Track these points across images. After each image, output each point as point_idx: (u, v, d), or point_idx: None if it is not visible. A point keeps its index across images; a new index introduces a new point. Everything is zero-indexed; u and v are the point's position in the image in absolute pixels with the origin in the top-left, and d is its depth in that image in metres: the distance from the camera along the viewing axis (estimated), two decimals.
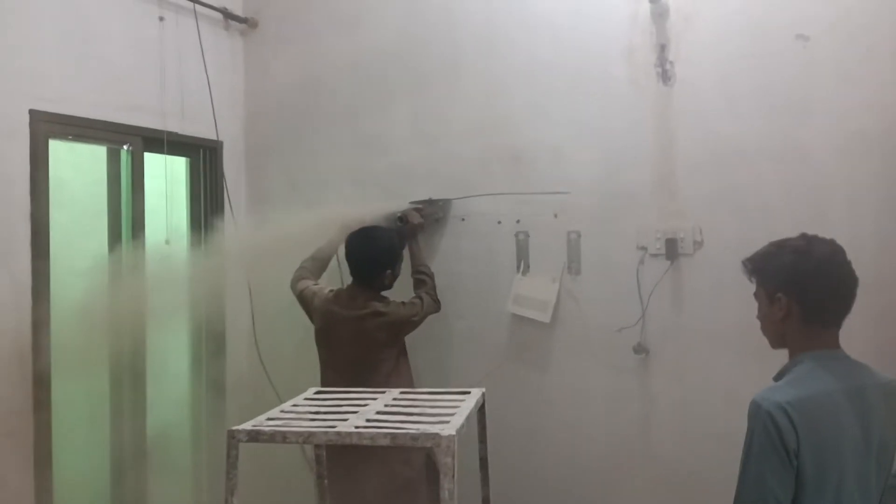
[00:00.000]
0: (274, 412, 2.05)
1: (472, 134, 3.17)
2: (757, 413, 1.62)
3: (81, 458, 2.96)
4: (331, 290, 3.00)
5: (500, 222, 3.14)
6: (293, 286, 3.08)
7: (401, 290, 3.01)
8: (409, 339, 2.99)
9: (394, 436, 1.81)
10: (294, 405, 2.14)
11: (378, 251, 2.91)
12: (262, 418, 1.96)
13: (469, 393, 2.24)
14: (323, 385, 2.92)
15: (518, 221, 3.11)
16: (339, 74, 3.45)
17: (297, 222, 3.15)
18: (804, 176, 2.70)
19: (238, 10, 3.61)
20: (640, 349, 2.91)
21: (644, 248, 2.92)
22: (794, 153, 2.71)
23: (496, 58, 3.14)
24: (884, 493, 1.72)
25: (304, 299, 3.03)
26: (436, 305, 3.02)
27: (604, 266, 2.99)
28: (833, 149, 2.66)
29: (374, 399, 2.19)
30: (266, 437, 1.85)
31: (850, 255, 2.63)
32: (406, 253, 3.10)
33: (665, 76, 2.87)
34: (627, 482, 2.92)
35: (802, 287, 1.72)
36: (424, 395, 2.25)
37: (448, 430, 1.82)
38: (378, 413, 2.03)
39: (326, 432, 1.84)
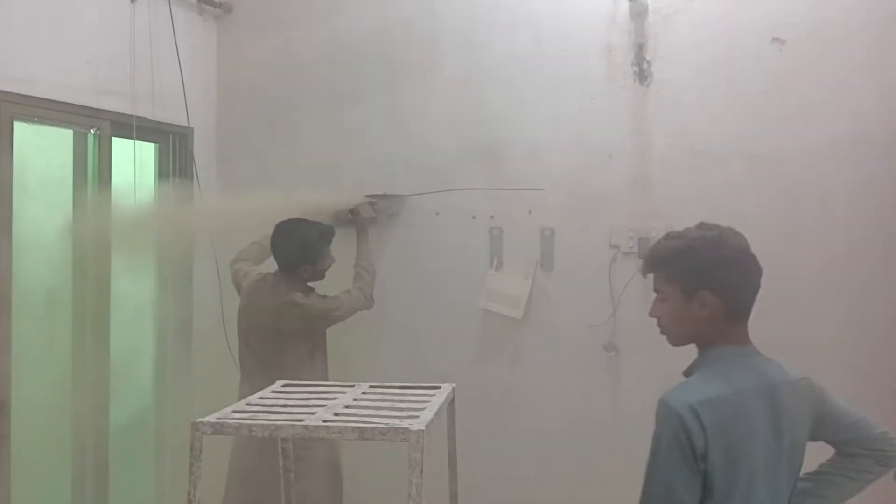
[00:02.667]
0: (240, 404, 2.01)
1: (450, 128, 3.16)
2: (665, 413, 1.57)
3: (41, 443, 2.89)
4: (260, 274, 3.04)
5: (474, 217, 3.13)
6: (231, 265, 3.15)
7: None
8: (381, 333, 2.99)
9: (362, 430, 1.79)
10: (261, 398, 2.10)
11: (297, 244, 2.94)
12: (227, 410, 1.93)
13: (439, 388, 2.22)
14: (241, 363, 3.01)
15: (492, 217, 3.11)
16: (315, 63, 3.40)
17: (252, 207, 3.15)
18: (777, 179, 2.73)
19: None
20: (610, 347, 2.92)
21: (617, 247, 2.93)
22: (768, 156, 2.74)
23: (477, 53, 3.13)
24: (793, 494, 1.69)
25: (235, 279, 3.10)
26: (366, 302, 3.03)
27: (577, 263, 3.00)
28: (806, 153, 2.69)
29: (343, 392, 2.16)
30: (231, 429, 1.81)
31: (821, 258, 2.69)
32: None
33: (642, 76, 2.88)
34: (596, 478, 2.93)
35: (722, 282, 1.63)
36: (394, 390, 2.23)
37: (417, 424, 1.79)
38: (346, 407, 2.00)
39: (294, 426, 1.81)
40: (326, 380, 2.87)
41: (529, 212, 3.04)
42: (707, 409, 1.56)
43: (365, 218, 3.13)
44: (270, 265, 3.13)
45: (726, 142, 2.79)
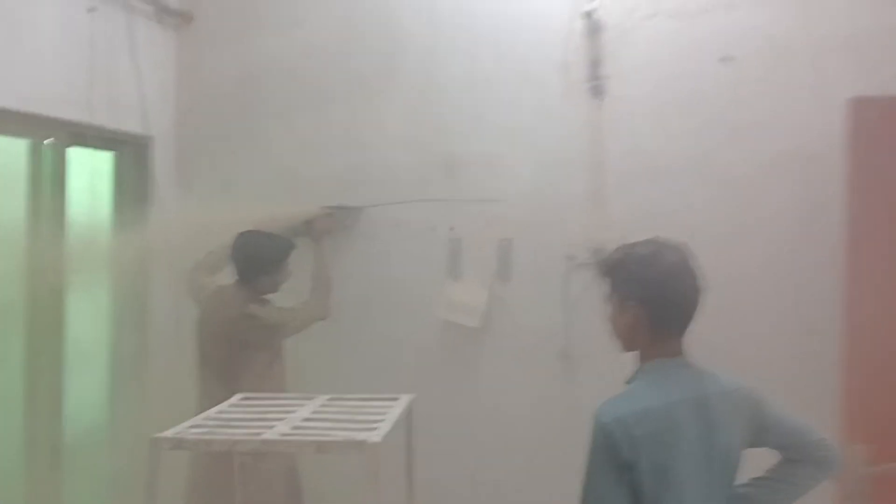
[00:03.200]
0: (198, 419, 2.02)
1: (409, 141, 3.21)
2: (598, 425, 1.63)
3: None
4: (218, 286, 3.05)
5: (433, 229, 3.17)
6: (187, 275, 3.14)
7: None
8: (341, 343, 3.02)
9: (319, 443, 1.82)
10: (219, 412, 2.12)
11: (257, 257, 2.97)
12: (185, 425, 1.94)
13: (398, 399, 2.26)
14: (198, 375, 3.01)
15: (451, 228, 3.16)
16: (275, 74, 3.42)
17: (209, 220, 3.17)
18: (727, 192, 2.84)
19: (172, 4, 3.52)
20: (564, 355, 2.99)
21: (572, 258, 3.00)
22: (718, 171, 2.85)
23: (436, 66, 3.18)
24: (733, 500, 1.74)
25: (192, 290, 3.11)
26: (322, 312, 3.06)
27: (533, 274, 3.06)
28: (755, 167, 2.81)
29: (302, 405, 2.19)
30: (190, 444, 1.83)
31: (767, 270, 2.80)
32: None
33: (597, 91, 2.96)
34: (554, 482, 2.98)
35: (650, 294, 1.70)
36: (353, 402, 2.26)
37: (374, 437, 1.83)
38: (305, 420, 2.03)
39: (252, 440, 1.83)
40: (284, 391, 2.89)
41: (487, 223, 3.10)
42: (635, 421, 1.62)
43: (321, 229, 3.16)
44: (227, 275, 3.14)
45: (678, 155, 2.88)
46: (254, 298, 2.98)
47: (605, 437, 1.61)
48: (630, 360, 1.78)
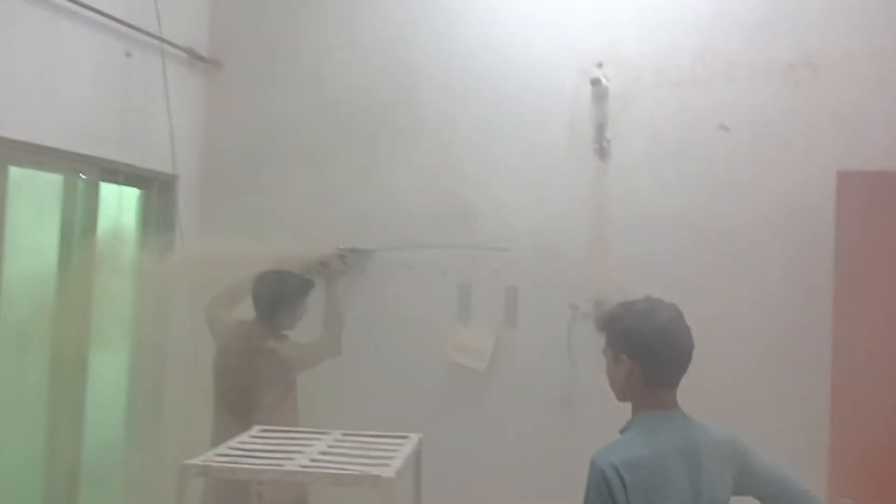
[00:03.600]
0: (221, 449, 2.14)
1: (424, 188, 3.37)
2: (593, 471, 1.76)
3: (15, 476, 2.94)
4: (236, 321, 3.18)
5: (444, 273, 3.32)
6: (206, 310, 3.25)
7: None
8: (352, 380, 3.15)
9: (338, 476, 1.94)
10: (241, 442, 2.24)
11: (278, 295, 3.09)
12: (211, 454, 2.06)
13: (408, 437, 2.38)
14: (215, 405, 3.11)
15: (461, 274, 3.31)
16: (298, 120, 3.58)
17: (228, 259, 3.30)
18: (721, 252, 3.00)
19: (203, 51, 3.72)
20: (567, 401, 3.12)
21: (576, 307, 3.15)
22: (711, 228, 3.02)
23: (453, 117, 3.36)
24: None
25: (211, 324, 3.21)
26: (334, 350, 3.20)
27: (538, 320, 3.20)
28: (747, 230, 2.97)
29: (318, 439, 2.31)
30: (216, 472, 1.95)
31: (753, 325, 2.94)
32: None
33: (602, 152, 3.15)
34: None
35: (643, 350, 1.82)
36: (366, 438, 2.38)
37: (388, 472, 1.96)
38: (321, 453, 2.15)
39: (275, 470, 1.95)
40: (297, 424, 2.99)
41: (496, 270, 3.25)
42: (628, 468, 1.74)
43: (335, 270, 3.31)
44: (243, 310, 3.27)
45: (675, 213, 3.05)
46: (272, 334, 3.10)
47: (600, 480, 1.74)
48: (629, 408, 1.93)
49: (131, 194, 3.50)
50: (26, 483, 2.99)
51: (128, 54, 3.30)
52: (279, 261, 3.23)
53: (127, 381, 3.48)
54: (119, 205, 3.38)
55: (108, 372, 3.38)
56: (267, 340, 3.06)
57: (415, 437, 2.38)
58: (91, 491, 3.14)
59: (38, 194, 3.11)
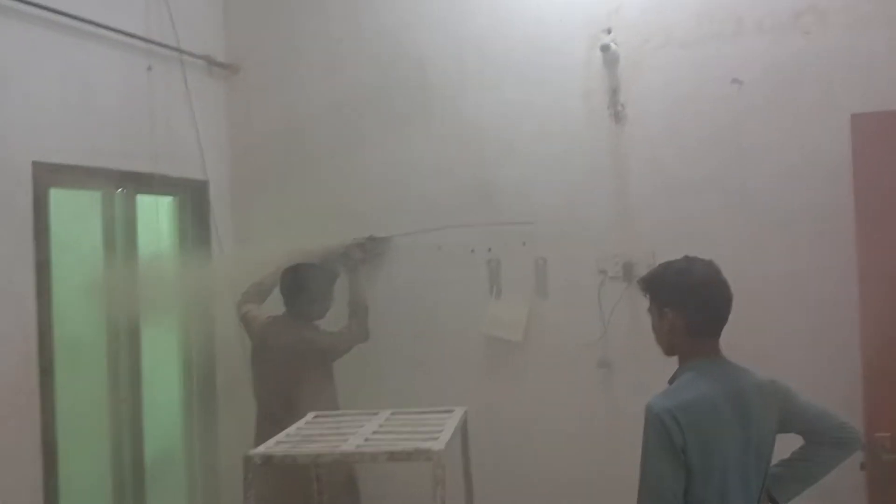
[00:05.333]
0: (280, 437, 2.28)
1: (446, 169, 3.43)
2: (649, 416, 1.88)
3: (84, 478, 3.10)
4: (269, 317, 3.32)
5: (473, 251, 3.40)
6: (238, 308, 3.42)
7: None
8: (392, 361, 3.30)
9: (392, 453, 2.06)
10: (297, 429, 2.37)
11: (307, 286, 3.25)
12: (271, 443, 2.19)
13: (453, 411, 2.49)
14: (256, 399, 3.26)
15: (490, 250, 3.39)
16: (318, 116, 3.66)
17: (259, 259, 3.48)
18: (743, 204, 3.04)
19: (220, 57, 3.81)
20: (603, 364, 3.20)
21: (604, 272, 3.21)
22: (733, 184, 3.05)
23: (466, 99, 3.41)
24: (765, 481, 1.98)
25: (245, 321, 3.37)
26: (363, 336, 3.34)
27: (568, 288, 3.28)
28: (767, 180, 3.00)
29: (369, 420, 2.43)
30: (278, 459, 2.08)
31: (783, 276, 2.99)
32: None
33: (617, 117, 3.18)
34: (598, 482, 3.17)
35: (686, 302, 1.96)
36: (413, 415, 2.50)
37: (438, 445, 2.07)
38: (374, 433, 2.27)
39: (332, 452, 2.08)
40: (338, 407, 3.14)
41: (524, 243, 3.32)
42: (683, 411, 1.87)
43: (355, 259, 3.43)
44: (271, 305, 3.39)
45: (695, 173, 3.09)
46: (306, 325, 3.27)
47: (658, 424, 1.86)
48: (665, 365, 2.02)
49: (165, 202, 3.63)
50: (94, 488, 3.15)
51: (149, 68, 3.41)
52: (302, 255, 3.38)
53: (181, 385, 3.62)
54: (156, 214, 3.51)
55: (163, 379, 3.53)
56: (301, 333, 3.21)
57: (459, 411, 2.49)
58: (156, 489, 3.30)
59: (78, 212, 3.24)
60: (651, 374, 3.03)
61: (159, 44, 3.42)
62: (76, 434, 3.02)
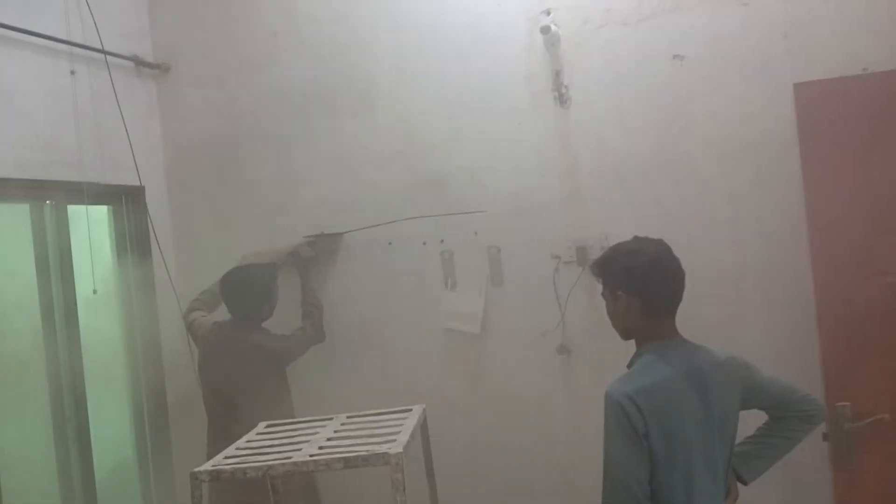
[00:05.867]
0: (230, 450, 2.17)
1: (393, 162, 3.35)
2: (609, 404, 1.85)
3: (31, 500, 2.97)
4: (214, 323, 3.22)
5: (425, 243, 3.33)
6: (185, 316, 3.31)
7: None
8: (350, 361, 3.23)
9: (346, 459, 1.97)
10: (248, 441, 2.27)
11: (248, 287, 3.16)
12: (220, 457, 2.09)
13: (411, 410, 2.42)
14: (207, 411, 3.17)
15: (442, 241, 3.31)
16: (256, 112, 3.55)
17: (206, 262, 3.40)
18: (691, 181, 3.01)
19: (148, 57, 3.66)
20: (562, 350, 3.16)
21: (558, 257, 3.17)
22: (680, 162, 3.02)
23: (410, 88, 3.32)
24: (734, 457, 1.97)
25: (191, 330, 3.27)
26: (319, 336, 3.26)
27: (523, 276, 3.22)
28: (714, 155, 2.98)
29: (323, 426, 2.34)
30: (227, 475, 1.98)
31: (735, 249, 2.98)
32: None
33: (561, 99, 3.13)
34: (561, 469, 3.15)
35: (638, 283, 1.93)
36: (370, 417, 2.42)
37: (395, 447, 1.99)
38: (328, 440, 2.18)
39: (284, 463, 1.98)
40: (293, 415, 3.05)
41: (475, 233, 3.26)
42: (642, 395, 1.84)
43: (305, 258, 3.32)
44: (222, 311, 3.29)
45: (642, 151, 3.05)
46: (254, 330, 3.15)
47: (618, 411, 1.83)
48: (625, 348, 1.99)
49: (102, 212, 3.48)
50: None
51: (72, 72, 3.25)
52: (249, 258, 3.27)
53: (129, 401, 3.48)
54: (90, 224, 3.36)
55: (109, 393, 3.39)
56: (249, 337, 3.11)
57: (418, 409, 2.41)
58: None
59: (5, 227, 3.08)
60: (611, 358, 2.99)
61: (82, 46, 3.27)
62: (19, 454, 2.88)
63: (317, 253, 3.36)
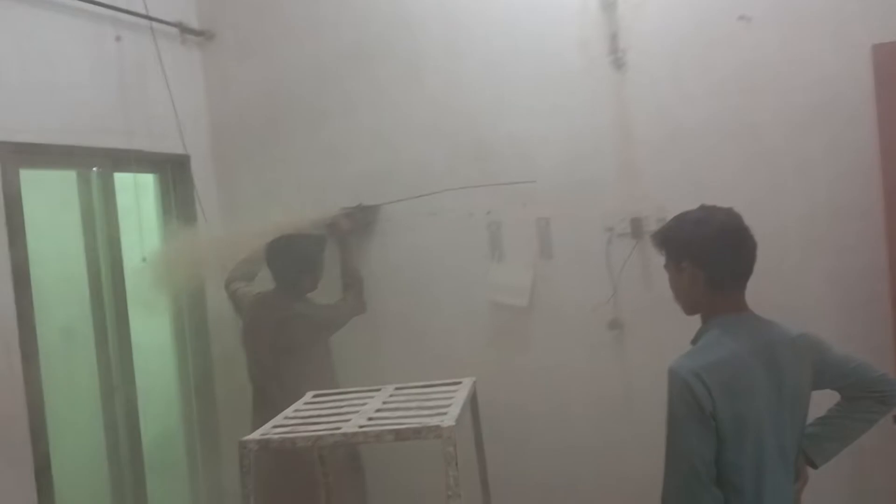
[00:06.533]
0: (278, 419, 2.13)
1: (438, 131, 3.26)
2: (674, 380, 1.75)
3: (79, 468, 2.99)
4: (258, 293, 3.18)
5: (471, 215, 3.24)
6: (226, 286, 3.28)
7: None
8: (397, 334, 3.20)
9: (398, 431, 1.91)
10: (296, 410, 2.22)
11: (296, 259, 3.11)
12: (268, 427, 2.05)
13: (461, 382, 2.35)
14: (251, 380, 3.14)
15: (489, 213, 3.22)
16: (300, 81, 3.48)
17: (247, 230, 3.31)
18: (757, 150, 2.87)
19: (193, 24, 3.61)
20: (614, 325, 3.06)
21: (611, 229, 3.06)
22: (745, 129, 2.88)
23: (456, 56, 3.23)
24: (804, 439, 1.85)
25: (234, 300, 3.23)
26: (360, 307, 3.21)
27: (574, 249, 3.12)
28: (781, 122, 2.83)
29: (372, 397, 2.29)
30: (276, 444, 1.93)
31: (804, 222, 2.84)
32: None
33: (618, 64, 3.00)
34: (614, 448, 3.07)
35: (703, 254, 1.81)
36: (419, 389, 2.35)
37: (447, 420, 1.92)
38: (377, 411, 2.12)
39: (333, 434, 1.93)
40: (336, 384, 3.02)
41: (524, 204, 3.16)
42: (709, 372, 1.73)
43: (343, 230, 3.27)
44: (262, 281, 3.24)
45: (704, 119, 2.91)
46: (298, 299, 3.11)
47: (683, 388, 1.72)
48: (681, 323, 1.89)
49: (148, 180, 3.46)
50: (92, 477, 3.03)
51: (118, 38, 3.22)
52: (288, 228, 3.22)
53: (176, 369, 3.49)
54: (137, 192, 3.35)
55: (156, 362, 3.40)
56: (294, 307, 3.07)
57: (468, 382, 2.35)
58: (155, 476, 3.18)
59: (53, 193, 3.08)
60: (666, 334, 2.89)
61: (127, 11, 3.23)
62: (68, 422, 2.90)
63: (355, 225, 3.30)
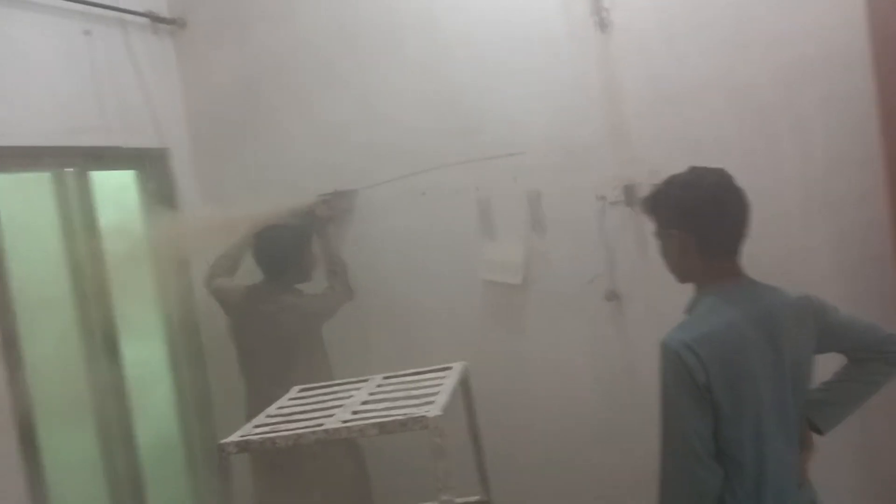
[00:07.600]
0: (260, 418, 2.06)
1: (423, 107, 3.15)
2: (666, 354, 1.66)
3: (75, 480, 2.95)
4: (246, 286, 3.11)
5: (459, 192, 3.14)
6: (207, 283, 3.19)
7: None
8: (386, 319, 3.11)
9: (381, 425, 1.84)
10: (279, 407, 2.15)
11: (286, 248, 3.03)
12: (249, 426, 1.98)
13: (451, 368, 2.27)
14: (244, 376, 3.08)
15: (478, 189, 3.12)
16: (279, 65, 3.37)
17: (213, 221, 3.24)
18: (751, 106, 2.74)
19: (164, 12, 3.50)
20: (611, 296, 2.96)
21: (603, 198, 2.95)
22: (738, 86, 2.75)
23: (437, 27, 3.10)
24: (809, 405, 1.77)
25: (219, 295, 3.15)
26: (347, 294, 3.14)
27: (567, 221, 3.02)
28: (776, 77, 2.70)
29: (358, 388, 2.21)
30: (255, 445, 1.87)
31: (801, 179, 2.72)
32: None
33: (602, 24, 2.87)
34: (616, 428, 3.00)
35: (694, 218, 1.71)
36: (408, 377, 2.28)
37: (434, 410, 1.84)
38: (363, 403, 2.05)
39: (314, 432, 1.86)
40: (331, 375, 2.95)
41: (514, 178, 3.05)
42: (702, 344, 1.64)
43: (322, 217, 3.18)
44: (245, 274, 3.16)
45: (695, 78, 2.79)
46: (287, 291, 3.05)
47: (675, 362, 1.64)
48: (682, 291, 1.79)
49: (128, 177, 3.38)
50: (87, 484, 2.99)
51: (87, 32, 3.12)
52: (265, 219, 3.13)
53: (168, 365, 3.43)
54: (117, 190, 3.27)
55: (146, 360, 3.33)
56: (284, 299, 3.00)
57: (458, 367, 2.27)
58: (154, 480, 3.14)
59: (29, 197, 3.00)
60: (666, 303, 2.77)
61: (95, 4, 3.12)
62: (59, 431, 2.84)
63: (332, 211, 3.21)
